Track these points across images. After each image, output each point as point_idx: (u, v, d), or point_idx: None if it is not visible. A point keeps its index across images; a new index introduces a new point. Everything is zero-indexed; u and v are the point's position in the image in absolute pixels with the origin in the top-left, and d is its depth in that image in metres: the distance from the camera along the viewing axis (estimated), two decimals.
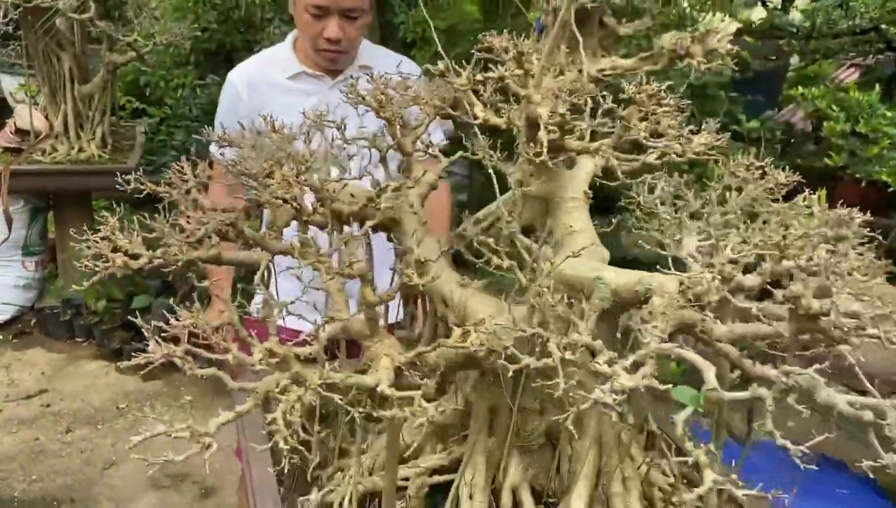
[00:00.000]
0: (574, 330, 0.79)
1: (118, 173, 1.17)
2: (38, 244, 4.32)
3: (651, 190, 1.04)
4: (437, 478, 1.24)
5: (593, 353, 0.77)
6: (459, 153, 1.33)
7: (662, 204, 1.02)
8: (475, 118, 1.16)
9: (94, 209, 4.32)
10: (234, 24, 5.04)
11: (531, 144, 1.03)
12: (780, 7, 4.51)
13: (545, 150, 0.96)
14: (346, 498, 1.24)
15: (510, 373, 0.81)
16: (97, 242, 1.07)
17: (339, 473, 1.33)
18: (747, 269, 0.97)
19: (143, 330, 0.93)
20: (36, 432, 3.36)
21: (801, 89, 3.98)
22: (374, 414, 0.81)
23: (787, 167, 1.28)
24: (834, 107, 3.80)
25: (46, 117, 3.90)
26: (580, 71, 1.56)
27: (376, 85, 1.27)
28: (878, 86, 3.96)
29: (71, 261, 4.17)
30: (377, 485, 1.24)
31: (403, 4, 4.28)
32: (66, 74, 3.82)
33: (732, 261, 0.79)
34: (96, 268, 1.06)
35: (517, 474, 1.18)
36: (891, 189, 3.46)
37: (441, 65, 1.18)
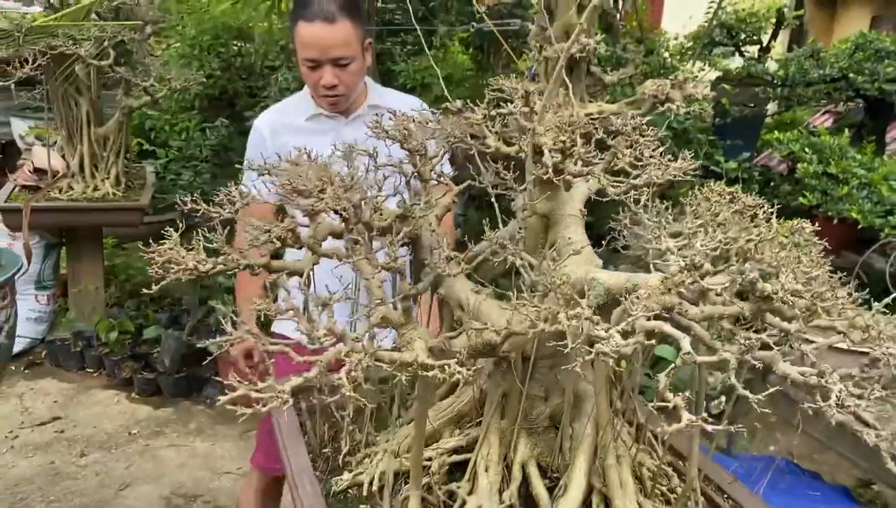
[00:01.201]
0: (578, 306, 1.00)
1: (167, 205, 1.38)
2: (50, 278, 4.50)
3: (636, 202, 1.25)
4: (455, 457, 1.43)
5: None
6: (468, 182, 1.54)
7: (645, 213, 1.24)
8: (488, 147, 1.38)
9: (104, 246, 4.51)
10: (236, 71, 5.29)
11: (537, 167, 1.25)
12: (756, 57, 4.78)
13: (550, 170, 1.18)
14: (375, 477, 1.43)
15: (529, 334, 1.01)
16: (168, 250, 1.27)
17: (367, 459, 1.52)
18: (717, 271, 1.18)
19: (219, 318, 1.12)
20: (51, 456, 3.49)
21: (776, 134, 4.25)
22: (420, 373, 1.01)
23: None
24: (807, 150, 4.06)
25: (63, 157, 4.11)
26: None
27: (399, 121, 1.48)
28: (846, 131, 4.25)
29: (82, 295, 4.34)
30: (403, 465, 1.43)
31: (404, 53, 4.55)
32: (83, 117, 4.06)
33: (701, 254, 1.00)
34: (167, 273, 1.26)
35: (526, 451, 1.37)
36: (860, 226, 3.70)
37: (459, 103, 1.41)
